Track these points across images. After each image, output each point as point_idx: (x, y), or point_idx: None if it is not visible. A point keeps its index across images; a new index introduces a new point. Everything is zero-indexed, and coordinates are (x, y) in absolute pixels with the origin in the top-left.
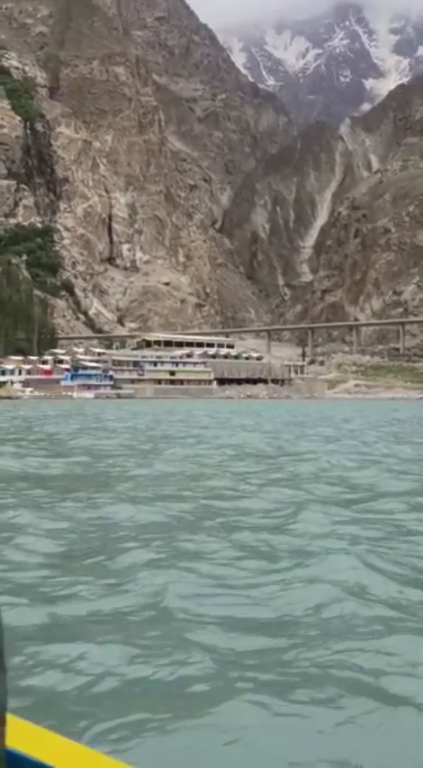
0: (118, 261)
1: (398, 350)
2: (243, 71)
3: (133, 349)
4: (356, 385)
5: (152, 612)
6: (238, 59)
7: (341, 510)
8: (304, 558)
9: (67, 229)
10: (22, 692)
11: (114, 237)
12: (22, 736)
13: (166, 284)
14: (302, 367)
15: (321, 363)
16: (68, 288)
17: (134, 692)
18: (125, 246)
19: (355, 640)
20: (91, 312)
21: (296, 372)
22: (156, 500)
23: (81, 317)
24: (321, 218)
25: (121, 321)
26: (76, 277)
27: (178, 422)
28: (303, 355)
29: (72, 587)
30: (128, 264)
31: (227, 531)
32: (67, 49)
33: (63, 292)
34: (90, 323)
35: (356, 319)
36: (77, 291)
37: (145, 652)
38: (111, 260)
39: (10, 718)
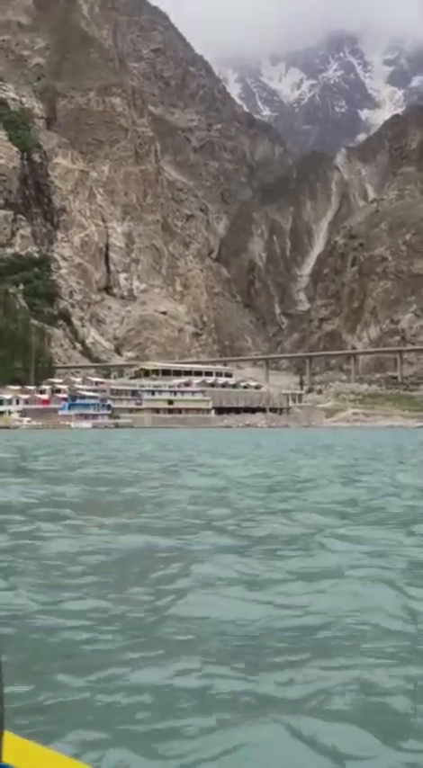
0: (115, 290)
1: (395, 378)
2: (238, 102)
3: (131, 378)
4: (355, 413)
5: None
6: (234, 90)
7: None
8: None
9: (64, 259)
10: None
11: (111, 267)
12: (21, 753)
13: (164, 313)
14: (300, 396)
15: (319, 392)
16: (65, 317)
17: None
18: (122, 276)
19: None
20: (88, 341)
21: (294, 401)
22: None
23: (78, 346)
24: (318, 246)
25: (118, 350)
26: (73, 306)
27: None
28: (301, 384)
29: None
30: (125, 293)
31: None
32: (64, 80)
33: (60, 321)
34: (87, 352)
35: (354, 348)
36: (75, 321)
37: None
38: (108, 289)
39: (9, 735)
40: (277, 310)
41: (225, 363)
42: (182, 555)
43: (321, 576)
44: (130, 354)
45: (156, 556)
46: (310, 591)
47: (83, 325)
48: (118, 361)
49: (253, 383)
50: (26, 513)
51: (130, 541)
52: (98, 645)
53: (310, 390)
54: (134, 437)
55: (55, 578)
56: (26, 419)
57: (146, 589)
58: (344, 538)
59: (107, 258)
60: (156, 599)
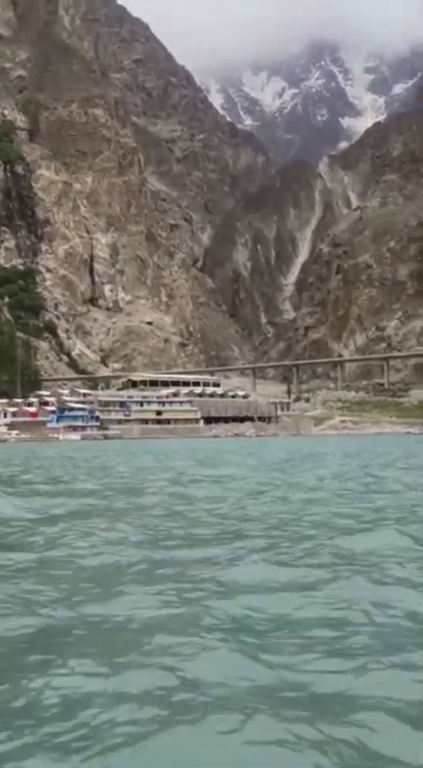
0: (100, 301)
1: (382, 385)
2: (220, 111)
3: (119, 389)
4: (343, 421)
5: None
6: (216, 100)
7: None
8: None
9: (48, 271)
10: None
11: (96, 278)
12: None
13: (149, 324)
14: (288, 404)
15: (307, 400)
16: (51, 329)
17: None
18: (107, 287)
19: None
20: (74, 353)
21: (282, 410)
22: None
23: (64, 358)
24: (302, 255)
25: (104, 361)
26: (58, 318)
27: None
28: (289, 392)
29: None
30: (110, 305)
31: None
32: (46, 92)
33: (46, 334)
34: (73, 364)
35: (340, 355)
36: (60, 333)
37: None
38: (93, 300)
39: None
40: (263, 319)
41: (212, 373)
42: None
43: None
44: (116, 366)
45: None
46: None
47: (69, 337)
48: (104, 372)
49: (241, 392)
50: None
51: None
52: None
53: (297, 399)
54: (127, 448)
55: None
56: (14, 432)
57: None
58: None
59: (92, 270)
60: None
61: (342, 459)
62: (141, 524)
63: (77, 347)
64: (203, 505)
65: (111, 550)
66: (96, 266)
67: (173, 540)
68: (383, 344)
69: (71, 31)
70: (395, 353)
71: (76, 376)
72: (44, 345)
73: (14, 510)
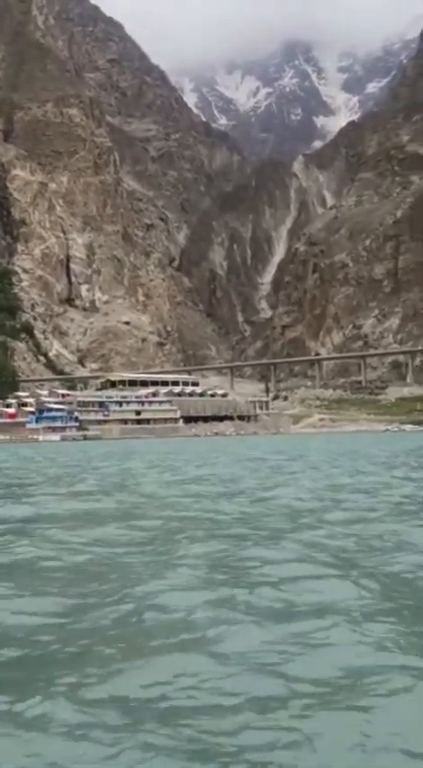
0: (77, 302)
1: (360, 383)
2: (195, 111)
3: (97, 389)
4: (321, 419)
5: None
6: (190, 99)
7: None
8: None
9: (25, 271)
10: None
11: (73, 278)
12: None
13: (127, 323)
14: (267, 403)
15: (285, 398)
16: (28, 330)
17: None
18: (84, 287)
19: None
20: (51, 354)
21: (261, 408)
22: None
23: (41, 358)
24: (278, 254)
25: (82, 362)
26: (35, 319)
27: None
28: (267, 391)
29: None
30: (87, 305)
31: None
32: (21, 91)
33: (23, 335)
34: (51, 364)
35: (317, 354)
36: (37, 333)
37: None
38: (70, 301)
39: None
40: (240, 318)
41: (190, 372)
42: None
43: None
44: (94, 366)
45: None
46: None
47: (46, 338)
48: (82, 372)
49: (220, 391)
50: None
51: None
52: None
53: (275, 397)
54: (115, 450)
55: None
56: None
57: None
58: None
59: (68, 270)
60: None
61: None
62: None
63: (55, 348)
64: None
65: None
66: (73, 266)
67: None
68: (360, 342)
69: (45, 30)
70: (372, 351)
71: (54, 377)
72: (21, 346)
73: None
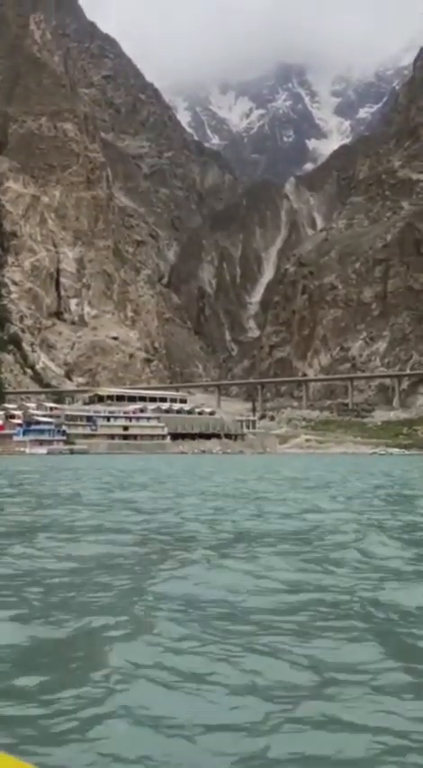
0: (66, 315)
1: (346, 405)
2: (188, 130)
3: (85, 404)
4: (307, 440)
5: None
6: (183, 118)
7: None
8: None
9: (14, 283)
10: None
11: (62, 292)
12: None
13: (115, 339)
14: (254, 422)
15: (271, 418)
16: (16, 342)
17: None
18: (73, 301)
19: None
20: (38, 366)
21: (248, 427)
22: None
23: (28, 371)
24: (267, 274)
25: (68, 376)
26: (23, 331)
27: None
28: (254, 410)
29: None
30: (76, 319)
31: None
32: (16, 104)
33: (10, 347)
34: (37, 377)
35: (305, 374)
36: (25, 346)
37: None
38: (58, 314)
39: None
40: (227, 337)
41: (177, 389)
42: None
43: None
44: (80, 380)
45: None
46: None
47: (33, 351)
48: (69, 386)
49: (207, 409)
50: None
51: None
52: None
53: (262, 416)
54: (137, 464)
55: None
56: None
57: None
58: None
59: (58, 283)
60: None
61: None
62: None
63: (42, 361)
64: None
65: None
66: (62, 280)
67: None
68: (347, 365)
69: (42, 45)
70: (359, 374)
71: (40, 389)
72: (8, 358)
73: None
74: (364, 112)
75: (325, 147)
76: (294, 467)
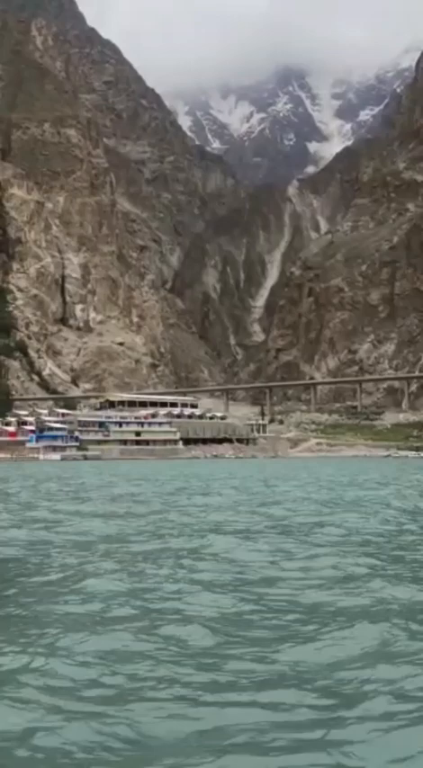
0: (71, 321)
1: (355, 408)
2: (189, 134)
3: (96, 409)
4: (318, 443)
5: None
6: (184, 123)
7: None
8: None
9: (20, 290)
10: None
11: (67, 298)
12: None
13: (121, 344)
14: (265, 426)
15: (281, 422)
16: (22, 349)
17: None
18: (78, 307)
19: None
20: (45, 373)
21: (258, 431)
22: None
23: (35, 377)
24: (271, 278)
25: (75, 382)
26: (29, 338)
27: None
28: (262, 414)
29: None
30: (81, 325)
31: None
32: (19, 111)
33: (17, 353)
34: (44, 384)
35: (312, 378)
36: (31, 352)
37: None
38: (64, 320)
39: None
40: (232, 341)
41: (184, 394)
42: None
43: None
44: (87, 386)
45: None
46: None
47: (40, 357)
48: (75, 392)
49: (218, 414)
50: None
51: None
52: None
53: (271, 420)
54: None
55: None
56: None
57: None
58: None
59: (63, 289)
60: None
61: None
62: None
63: (48, 367)
64: None
65: None
66: (67, 286)
67: None
68: (355, 368)
69: (44, 51)
70: (367, 377)
71: (47, 396)
72: (15, 365)
73: None
74: (364, 115)
75: (326, 150)
76: (346, 469)
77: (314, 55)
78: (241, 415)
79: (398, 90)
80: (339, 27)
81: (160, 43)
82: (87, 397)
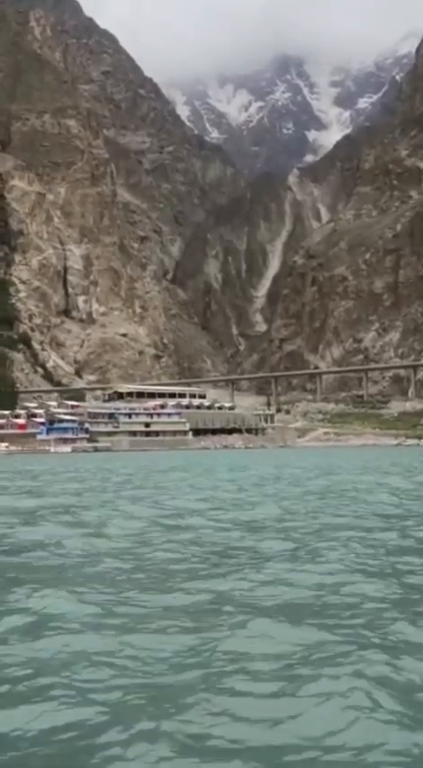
0: (74, 313)
1: (361, 397)
2: (187, 124)
3: (105, 401)
4: (326, 433)
5: None
6: (182, 112)
7: None
8: None
9: (22, 282)
10: None
11: (70, 289)
12: None
13: (124, 335)
14: (272, 416)
15: (287, 412)
16: (25, 341)
17: None
18: (81, 298)
19: None
20: (49, 365)
21: (266, 421)
22: None
23: (39, 369)
24: (273, 267)
25: (79, 373)
26: (32, 330)
27: None
28: (268, 404)
29: None
30: (84, 316)
31: None
32: (18, 102)
33: (20, 345)
34: (48, 376)
35: (317, 367)
36: (35, 344)
37: None
38: (67, 312)
39: None
40: (234, 331)
41: (189, 385)
42: None
43: None
44: (91, 378)
45: None
46: None
47: (43, 349)
48: (79, 384)
49: (226, 404)
50: None
51: None
52: None
53: (277, 411)
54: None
55: None
56: (4, 444)
57: None
58: None
59: (65, 281)
60: None
61: None
62: None
63: (52, 359)
64: None
65: None
66: (70, 277)
67: None
68: (360, 356)
69: (42, 41)
70: (373, 365)
71: (52, 388)
72: (19, 357)
73: None
74: (363, 102)
75: (325, 138)
76: (368, 458)
77: (312, 43)
78: (247, 405)
79: (397, 77)
80: (337, 14)
81: (157, 32)
82: (93, 389)
